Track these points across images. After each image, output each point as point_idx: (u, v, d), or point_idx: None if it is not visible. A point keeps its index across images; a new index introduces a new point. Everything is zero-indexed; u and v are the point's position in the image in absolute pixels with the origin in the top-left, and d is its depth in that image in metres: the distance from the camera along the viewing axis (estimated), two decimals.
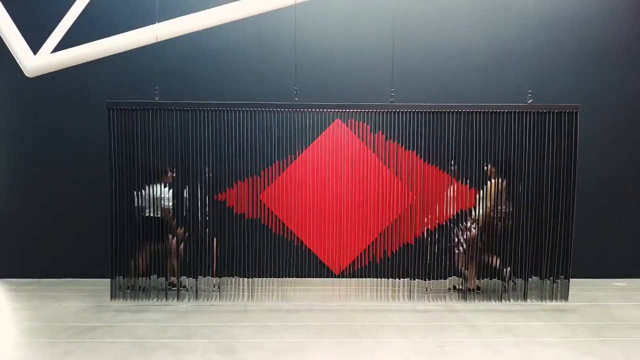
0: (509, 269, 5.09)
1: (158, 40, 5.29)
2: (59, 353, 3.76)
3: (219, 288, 5.18)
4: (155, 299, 5.07)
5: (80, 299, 5.19)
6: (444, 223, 5.14)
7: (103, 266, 5.23)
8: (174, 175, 5.11)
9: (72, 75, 5.79)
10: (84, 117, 5.96)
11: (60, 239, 6.09)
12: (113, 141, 4.95)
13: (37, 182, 6.09)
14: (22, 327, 4.41)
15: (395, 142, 5.14)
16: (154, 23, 5.28)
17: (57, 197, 6.09)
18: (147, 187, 5.03)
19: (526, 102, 5.08)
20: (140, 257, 5.03)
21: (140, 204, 5.00)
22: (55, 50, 5.39)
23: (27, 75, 5.47)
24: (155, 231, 5.04)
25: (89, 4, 5.45)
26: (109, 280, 5.05)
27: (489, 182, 5.11)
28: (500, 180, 5.10)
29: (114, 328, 4.32)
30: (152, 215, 5.03)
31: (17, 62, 5.46)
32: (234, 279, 5.19)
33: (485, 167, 5.10)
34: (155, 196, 5.03)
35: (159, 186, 5.07)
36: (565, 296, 5.12)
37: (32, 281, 5.98)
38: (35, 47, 5.47)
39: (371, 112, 5.14)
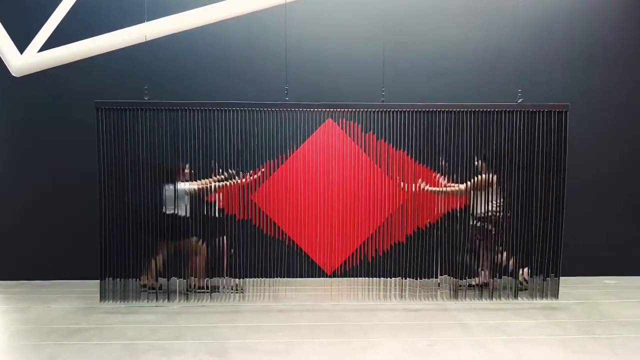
0: (525, 269, 5.15)
1: (147, 40, 5.25)
2: (47, 356, 3.72)
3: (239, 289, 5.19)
4: (146, 300, 5.03)
5: (69, 301, 5.13)
6: (436, 222, 5.15)
7: (92, 267, 5.18)
8: (191, 171, 5.06)
9: (59, 75, 5.73)
10: (72, 117, 5.89)
11: (49, 240, 6.02)
12: (102, 141, 4.90)
13: (25, 183, 6.01)
14: (10, 329, 4.35)
15: (387, 141, 5.14)
16: (143, 22, 5.24)
17: (46, 198, 6.02)
18: (166, 185, 5.02)
19: (516, 102, 5.10)
20: (159, 256, 5.04)
21: (160, 201, 5.00)
22: (43, 49, 5.34)
23: (13, 74, 5.42)
24: (174, 230, 5.02)
25: (76, 2, 5.41)
26: (98, 281, 5.00)
27: (476, 178, 5.12)
28: (490, 175, 5.11)
29: (104, 330, 4.27)
30: (174, 213, 5.03)
31: (3, 61, 5.39)
32: (225, 280, 5.16)
33: (476, 163, 5.11)
34: (170, 194, 5.02)
35: (175, 184, 5.05)
36: (555, 294, 5.15)
37: (20, 283, 5.91)
38: (21, 46, 5.41)
39: (362, 111, 5.13)
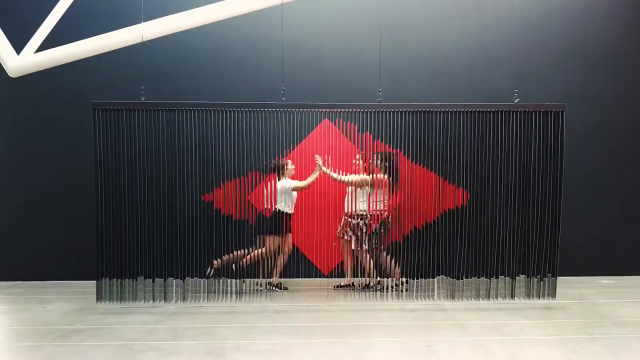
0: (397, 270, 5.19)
1: (144, 40, 5.25)
2: (44, 357, 3.70)
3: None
4: (143, 301, 5.02)
5: (66, 302, 5.13)
6: (432, 222, 5.15)
7: (89, 268, 5.17)
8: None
9: (56, 75, 5.73)
10: (69, 117, 5.89)
11: (45, 240, 6.02)
12: (98, 142, 4.89)
13: (22, 183, 6.01)
14: (7, 330, 4.34)
15: (383, 142, 5.14)
16: (140, 22, 5.24)
17: (42, 198, 6.01)
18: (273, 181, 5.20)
19: (513, 102, 5.10)
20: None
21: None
22: (39, 49, 5.34)
23: (10, 75, 5.42)
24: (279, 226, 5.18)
25: (73, 3, 5.40)
26: (94, 282, 4.99)
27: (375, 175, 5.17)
28: (383, 176, 5.15)
29: (100, 331, 4.27)
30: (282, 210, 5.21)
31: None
32: (222, 280, 5.15)
33: (375, 162, 5.17)
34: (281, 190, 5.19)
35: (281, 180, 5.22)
36: (552, 294, 5.14)
37: (16, 284, 5.90)
38: (18, 46, 5.41)
39: (359, 112, 5.13)
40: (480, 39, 6.15)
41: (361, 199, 5.06)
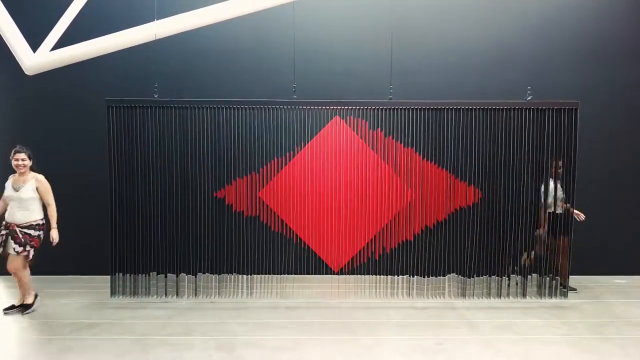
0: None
1: (157, 38, 5.29)
2: (59, 350, 3.78)
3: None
4: (155, 296, 5.08)
5: (81, 296, 5.20)
6: (443, 220, 5.14)
7: (103, 263, 5.25)
8: (560, 168, 5.05)
9: (71, 73, 5.80)
10: (83, 114, 5.97)
11: (61, 236, 6.08)
12: (112, 138, 4.96)
13: None
14: (22, 324, 4.43)
15: (394, 139, 5.14)
16: (153, 21, 5.28)
17: (57, 193, 6.08)
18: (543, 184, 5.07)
19: (526, 99, 5.06)
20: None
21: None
22: (55, 48, 5.40)
23: (26, 73, 5.48)
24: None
25: (88, 1, 5.45)
26: (108, 277, 5.06)
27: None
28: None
29: (114, 325, 4.33)
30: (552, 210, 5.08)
31: (16, 60, 5.47)
32: (233, 276, 5.20)
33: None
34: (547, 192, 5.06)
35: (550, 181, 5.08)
36: (565, 293, 5.11)
37: (32, 278, 5.98)
38: (34, 45, 5.48)
39: (370, 109, 5.13)
40: (493, 36, 6.09)
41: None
